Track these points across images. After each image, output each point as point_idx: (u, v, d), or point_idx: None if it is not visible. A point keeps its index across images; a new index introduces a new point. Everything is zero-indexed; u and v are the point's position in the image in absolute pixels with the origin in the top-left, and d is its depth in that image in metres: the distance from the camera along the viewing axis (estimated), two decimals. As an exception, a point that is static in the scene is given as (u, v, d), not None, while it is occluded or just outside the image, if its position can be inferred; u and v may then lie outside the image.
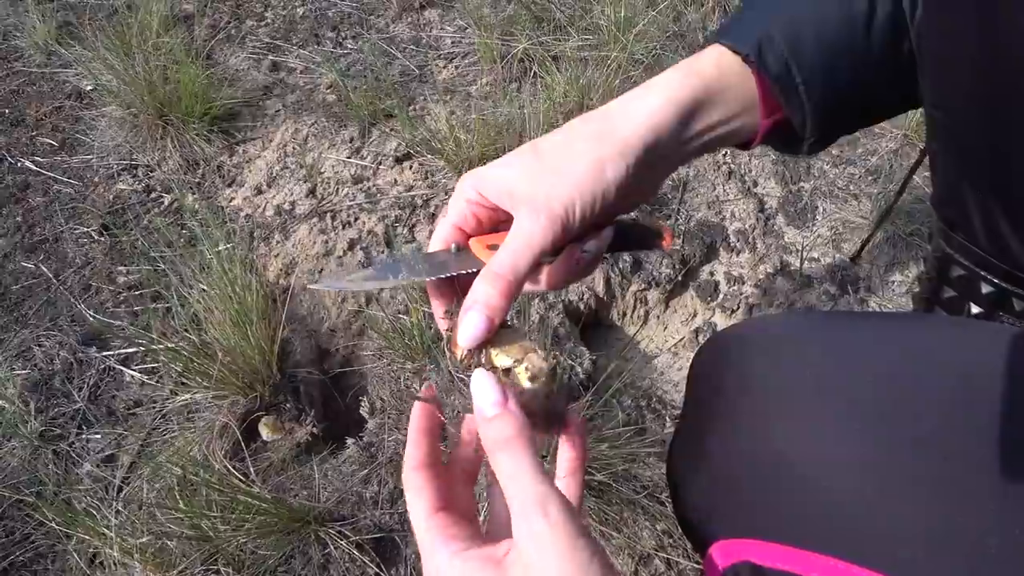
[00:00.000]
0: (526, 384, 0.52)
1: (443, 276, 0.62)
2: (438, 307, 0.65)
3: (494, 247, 0.60)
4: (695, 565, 1.37)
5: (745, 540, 0.60)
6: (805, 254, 1.85)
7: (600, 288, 1.70)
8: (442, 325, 0.64)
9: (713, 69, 0.65)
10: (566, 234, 0.59)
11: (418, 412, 0.59)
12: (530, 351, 0.54)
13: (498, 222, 0.64)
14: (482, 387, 0.50)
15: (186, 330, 1.56)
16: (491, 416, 0.49)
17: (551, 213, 0.58)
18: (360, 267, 0.59)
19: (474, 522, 0.57)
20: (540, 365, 0.53)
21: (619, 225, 0.65)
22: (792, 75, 0.65)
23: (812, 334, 0.70)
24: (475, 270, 0.59)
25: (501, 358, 0.54)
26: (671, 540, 1.38)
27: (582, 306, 1.68)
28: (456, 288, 0.64)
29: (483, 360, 0.54)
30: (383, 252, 1.73)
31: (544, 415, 0.54)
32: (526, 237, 0.58)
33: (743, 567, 0.59)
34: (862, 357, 0.64)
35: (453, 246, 0.63)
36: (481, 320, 0.54)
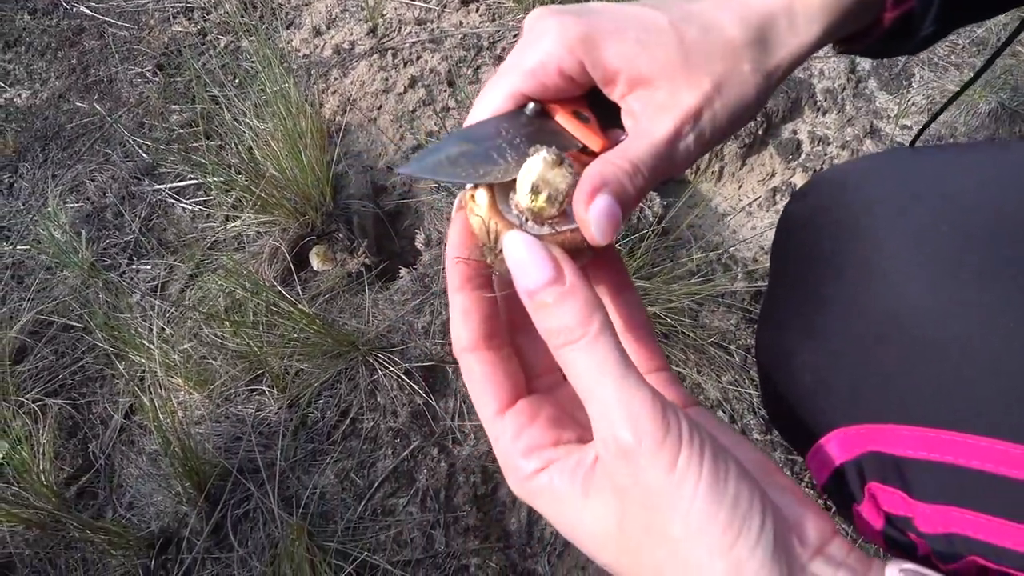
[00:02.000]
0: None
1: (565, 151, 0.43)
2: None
3: (582, 118, 0.47)
4: (761, 420, 1.27)
5: (869, 426, 0.48)
6: (897, 120, 1.68)
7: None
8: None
9: None
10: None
11: (455, 274, 0.42)
12: (544, 169, 0.39)
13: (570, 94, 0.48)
14: (523, 260, 0.36)
15: (239, 162, 1.48)
16: (546, 301, 0.35)
17: (695, 123, 0.46)
18: (440, 147, 0.38)
19: (562, 402, 0.43)
20: (566, 180, 0.39)
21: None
22: None
23: (944, 173, 0.55)
24: (583, 146, 0.45)
25: (523, 198, 0.39)
26: (736, 392, 1.28)
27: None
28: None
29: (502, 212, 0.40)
30: (446, 90, 1.62)
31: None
32: (669, 141, 0.45)
33: (868, 459, 0.47)
34: (996, 194, 0.51)
35: (531, 106, 0.46)
36: (617, 208, 0.41)
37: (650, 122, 0.46)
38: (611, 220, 0.39)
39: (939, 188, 0.54)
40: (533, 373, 0.45)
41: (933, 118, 0.85)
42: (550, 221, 0.39)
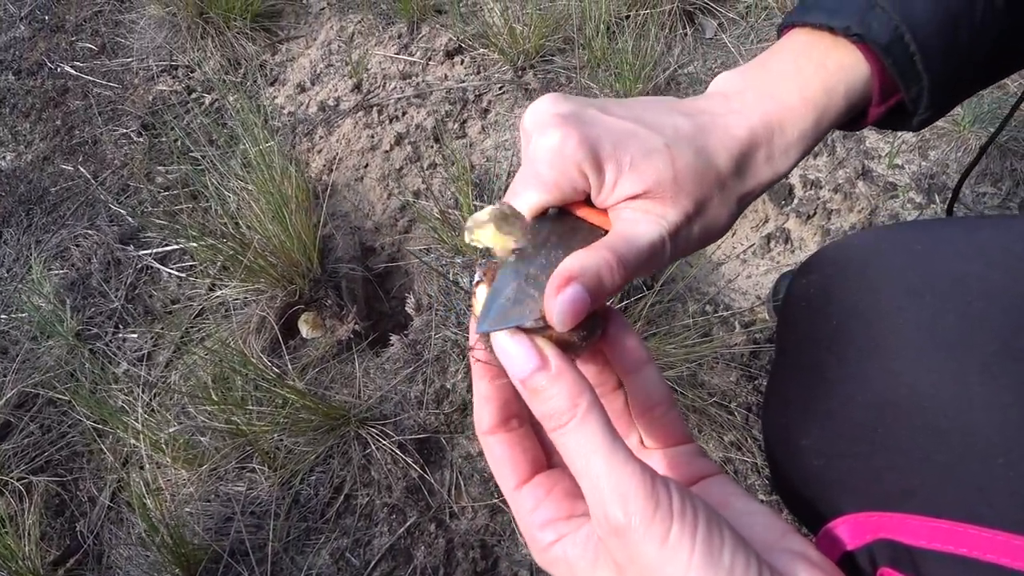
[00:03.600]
0: None
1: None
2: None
3: (597, 208, 0.50)
4: (765, 480, 1.24)
5: (879, 513, 0.46)
6: (888, 160, 1.67)
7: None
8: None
9: (842, 98, 0.55)
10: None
11: (477, 367, 0.45)
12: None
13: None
14: (509, 351, 0.39)
15: (225, 226, 1.46)
16: (536, 387, 0.38)
17: (673, 238, 0.50)
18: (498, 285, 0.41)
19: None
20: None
21: None
22: (905, 42, 0.54)
23: (950, 252, 0.53)
24: (606, 230, 0.49)
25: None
26: (739, 453, 1.25)
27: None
28: None
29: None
30: (433, 145, 1.60)
31: (582, 327, 0.41)
32: (651, 247, 0.48)
33: (880, 546, 0.46)
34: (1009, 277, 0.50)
35: (551, 210, 0.48)
36: (585, 298, 0.42)
37: (636, 226, 0.49)
38: (574, 309, 0.40)
39: (946, 269, 0.52)
40: (551, 449, 0.46)
41: (958, 187, 0.85)
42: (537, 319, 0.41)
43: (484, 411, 0.44)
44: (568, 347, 0.40)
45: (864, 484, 0.48)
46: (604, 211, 0.50)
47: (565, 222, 0.49)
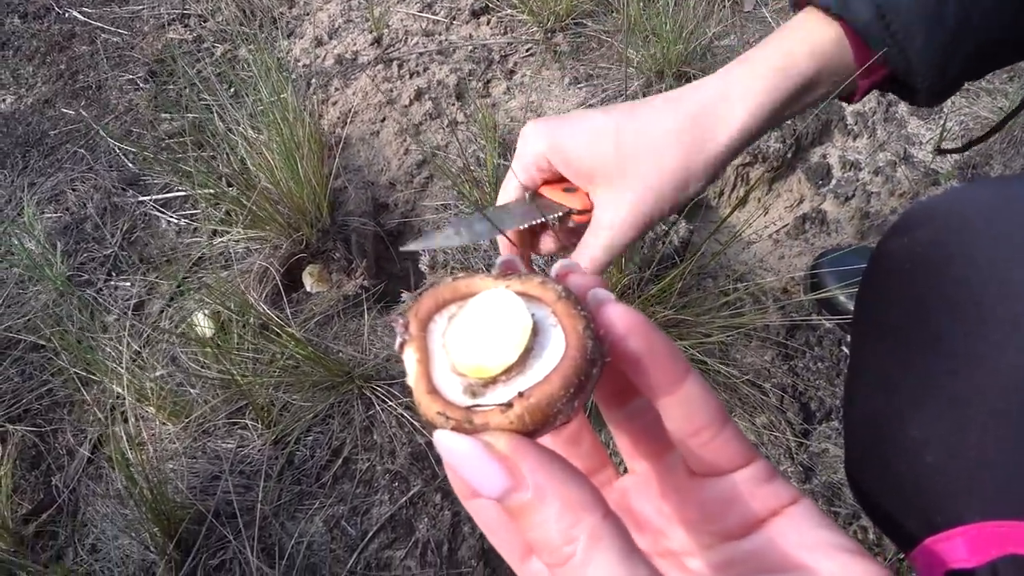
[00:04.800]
0: None
1: (529, 224, 0.60)
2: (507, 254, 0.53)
3: (569, 190, 0.61)
4: (800, 467, 1.15)
5: (1012, 523, 0.38)
6: (930, 148, 1.58)
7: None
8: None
9: (806, 58, 0.58)
10: (643, 233, 0.60)
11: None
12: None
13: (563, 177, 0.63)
14: (466, 467, 0.26)
15: (230, 172, 1.37)
16: (512, 508, 0.26)
17: (635, 222, 0.58)
18: (440, 228, 0.50)
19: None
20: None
21: None
22: (886, 20, 0.55)
23: None
24: (558, 214, 0.61)
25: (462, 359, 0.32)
26: (771, 436, 1.16)
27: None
28: (530, 235, 0.64)
29: None
30: (455, 103, 1.51)
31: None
32: (611, 236, 0.59)
33: (1007, 564, 0.37)
34: None
35: (527, 195, 0.62)
36: None
37: (602, 213, 0.59)
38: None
39: None
40: None
41: (980, 140, 0.82)
42: (504, 380, 0.28)
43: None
44: (547, 420, 0.27)
45: (998, 487, 0.39)
46: (575, 194, 0.61)
47: (537, 203, 0.61)
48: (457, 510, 1.06)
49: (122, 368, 1.17)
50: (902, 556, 1.10)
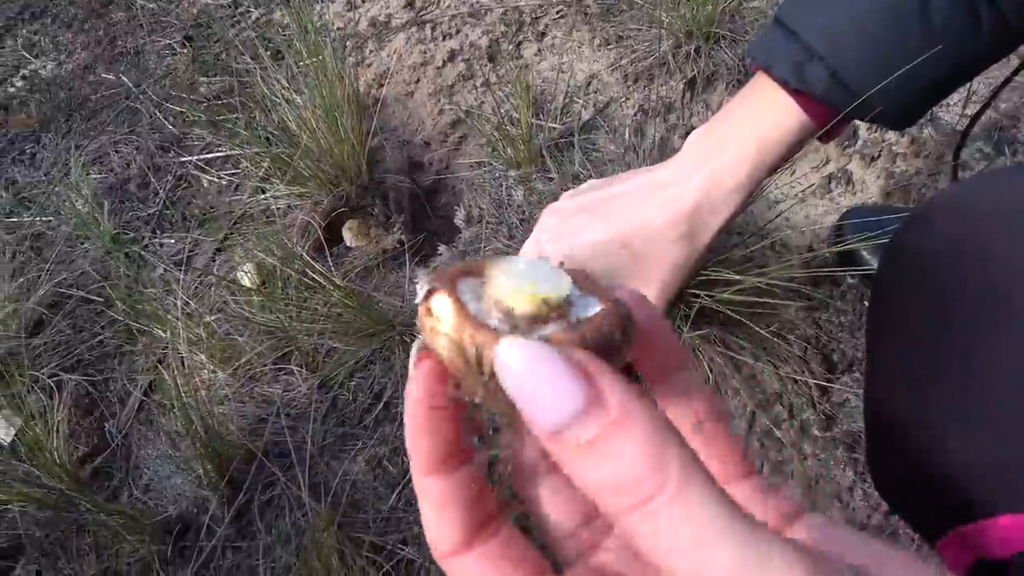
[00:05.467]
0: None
1: None
2: None
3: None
4: (822, 415, 1.19)
5: None
6: (958, 110, 1.59)
7: (729, 119, 1.49)
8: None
9: (778, 144, 0.67)
10: None
11: (419, 434, 0.28)
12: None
13: None
14: (532, 379, 0.22)
15: (270, 132, 1.41)
16: (583, 441, 0.21)
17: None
18: None
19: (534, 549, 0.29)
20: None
21: None
22: (840, 80, 0.62)
23: None
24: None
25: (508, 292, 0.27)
26: (795, 386, 1.20)
27: (707, 136, 1.47)
28: None
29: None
30: (487, 65, 1.55)
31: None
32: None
33: None
34: None
35: None
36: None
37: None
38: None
39: None
40: (560, 542, 0.31)
41: (983, 110, 0.88)
42: (549, 321, 0.25)
43: (445, 525, 0.27)
44: (610, 354, 0.25)
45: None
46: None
47: None
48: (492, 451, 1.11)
49: (173, 317, 1.22)
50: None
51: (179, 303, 1.26)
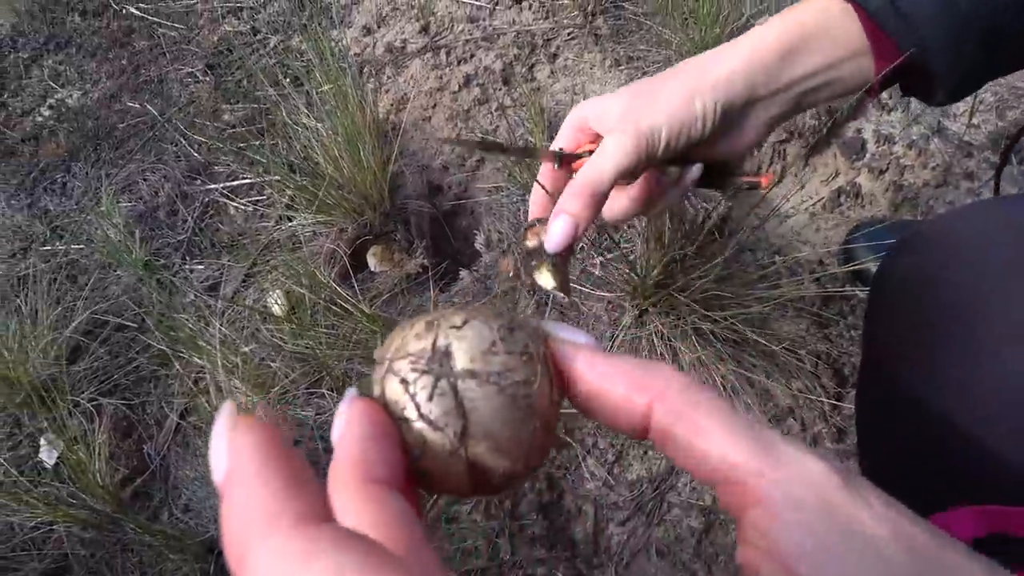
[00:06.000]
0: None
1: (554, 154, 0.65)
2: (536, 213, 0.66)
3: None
4: (834, 428, 1.23)
5: (1008, 508, 0.44)
6: (964, 120, 1.62)
7: (739, 136, 1.53)
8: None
9: (812, 13, 0.61)
10: (649, 157, 0.59)
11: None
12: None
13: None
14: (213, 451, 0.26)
15: (293, 161, 1.47)
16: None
17: (636, 133, 0.59)
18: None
19: None
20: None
21: (712, 165, 0.65)
22: (895, 5, 0.58)
23: None
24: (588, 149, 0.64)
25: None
26: (807, 399, 1.24)
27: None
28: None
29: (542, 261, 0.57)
30: (502, 88, 1.59)
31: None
32: (610, 153, 0.59)
33: (996, 539, 0.44)
34: None
35: (558, 150, 0.65)
36: (566, 225, 0.56)
37: (604, 142, 0.60)
38: (558, 234, 0.56)
39: None
40: None
41: (1005, 156, 0.88)
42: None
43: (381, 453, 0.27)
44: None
45: (988, 478, 0.48)
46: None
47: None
48: (518, 469, 1.15)
49: (208, 344, 1.28)
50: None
51: (213, 330, 1.32)
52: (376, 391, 0.28)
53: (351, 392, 0.28)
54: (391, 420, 0.27)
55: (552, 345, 0.29)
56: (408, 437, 0.27)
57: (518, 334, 0.28)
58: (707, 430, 0.26)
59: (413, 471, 0.27)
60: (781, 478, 0.25)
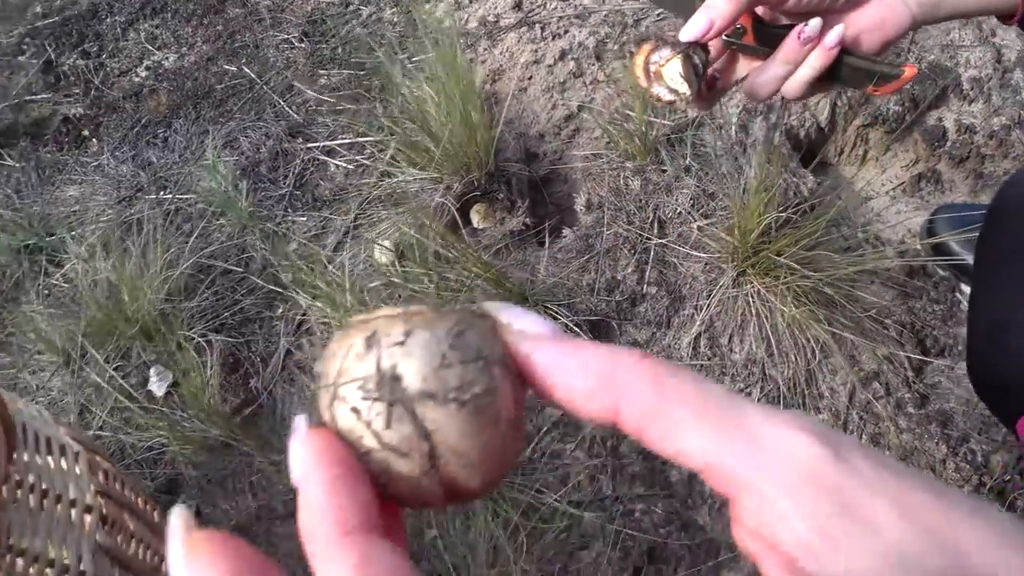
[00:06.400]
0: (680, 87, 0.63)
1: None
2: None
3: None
4: (917, 394, 1.28)
5: None
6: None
7: (824, 117, 1.59)
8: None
9: None
10: None
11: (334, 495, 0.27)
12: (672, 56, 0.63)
13: None
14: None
15: (399, 118, 1.54)
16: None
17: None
18: None
19: None
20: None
21: (854, 59, 0.65)
22: None
23: None
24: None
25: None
26: (891, 366, 1.30)
27: (802, 133, 1.58)
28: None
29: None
30: (595, 63, 1.66)
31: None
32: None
33: None
34: None
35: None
36: (704, 19, 0.59)
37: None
38: (696, 26, 0.59)
39: None
40: None
41: None
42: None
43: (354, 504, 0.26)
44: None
45: None
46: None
47: None
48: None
49: (315, 284, 1.36)
50: (1007, 479, 1.24)
51: (318, 275, 1.40)
52: (326, 417, 0.26)
53: (301, 422, 0.26)
54: (352, 451, 0.26)
55: (507, 338, 0.27)
56: (372, 467, 0.25)
57: (469, 336, 0.26)
58: (681, 424, 0.25)
59: (382, 496, 0.26)
60: (766, 462, 0.24)
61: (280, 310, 1.51)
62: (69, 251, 1.63)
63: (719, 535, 1.18)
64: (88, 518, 0.75)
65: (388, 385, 0.25)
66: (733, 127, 1.49)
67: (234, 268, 1.59)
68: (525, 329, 0.27)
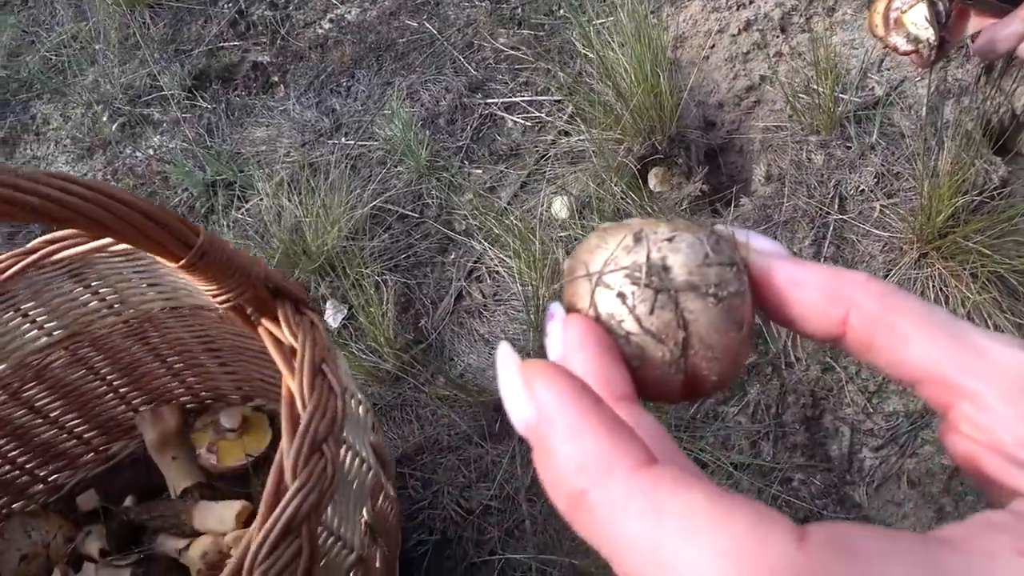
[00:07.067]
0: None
1: None
2: None
3: None
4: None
5: None
6: None
7: (1020, 104, 1.52)
8: None
9: None
10: None
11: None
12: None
13: None
14: (504, 387, 0.25)
15: (576, 82, 1.58)
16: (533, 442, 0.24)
17: None
18: None
19: None
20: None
21: None
22: None
23: None
24: None
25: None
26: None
27: (995, 119, 1.51)
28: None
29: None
30: (779, 36, 1.64)
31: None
32: None
33: None
34: None
35: None
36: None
37: None
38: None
39: None
40: None
41: None
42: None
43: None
44: None
45: None
46: None
47: None
48: (783, 382, 1.23)
49: (491, 229, 1.42)
50: None
51: (493, 224, 1.46)
52: (582, 304, 0.28)
53: (558, 308, 0.28)
54: (610, 335, 0.28)
55: (746, 254, 0.29)
56: (627, 350, 0.27)
57: (723, 244, 0.28)
58: (907, 334, 0.26)
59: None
60: (988, 372, 0.25)
61: (452, 256, 1.59)
62: (256, 188, 1.76)
63: (875, 513, 1.18)
64: (369, 418, 0.86)
65: (657, 273, 0.27)
66: (923, 108, 1.45)
67: (410, 213, 1.68)
68: (763, 248, 0.29)
